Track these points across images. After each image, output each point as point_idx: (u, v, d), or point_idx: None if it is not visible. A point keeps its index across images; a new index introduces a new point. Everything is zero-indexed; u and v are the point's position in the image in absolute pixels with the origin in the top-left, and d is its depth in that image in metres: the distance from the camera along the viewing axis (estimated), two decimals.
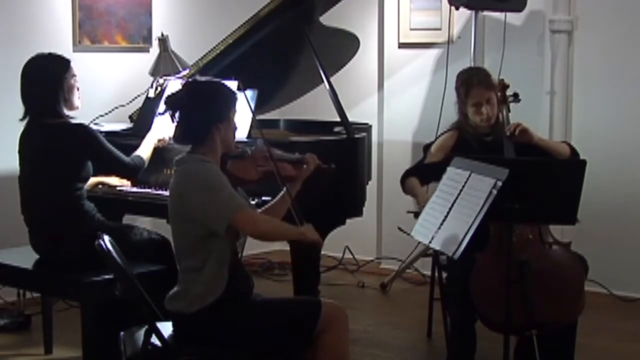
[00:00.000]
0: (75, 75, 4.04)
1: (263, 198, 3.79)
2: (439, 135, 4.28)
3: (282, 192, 3.38)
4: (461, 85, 4.10)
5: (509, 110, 4.10)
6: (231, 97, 3.24)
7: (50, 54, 4.06)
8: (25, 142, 4.03)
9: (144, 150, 4.22)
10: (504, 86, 4.11)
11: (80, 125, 3.99)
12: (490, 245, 3.74)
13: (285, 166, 3.41)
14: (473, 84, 4.04)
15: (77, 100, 4.06)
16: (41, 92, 3.97)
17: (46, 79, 3.97)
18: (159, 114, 4.46)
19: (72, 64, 4.04)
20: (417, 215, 3.89)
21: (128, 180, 4.30)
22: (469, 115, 4.07)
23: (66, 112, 4.00)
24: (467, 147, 3.99)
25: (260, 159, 3.39)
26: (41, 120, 3.97)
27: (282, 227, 3.23)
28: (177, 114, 3.18)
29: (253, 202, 3.73)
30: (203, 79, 3.34)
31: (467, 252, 3.13)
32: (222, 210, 3.04)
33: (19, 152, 4.05)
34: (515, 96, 4.15)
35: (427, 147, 4.29)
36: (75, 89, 4.04)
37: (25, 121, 4.02)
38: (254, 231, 3.12)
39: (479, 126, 4.06)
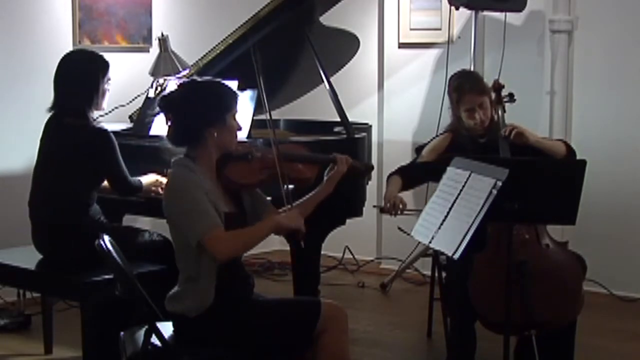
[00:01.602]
0: (110, 79, 4.05)
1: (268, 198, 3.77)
2: (433, 138, 4.26)
3: (311, 194, 3.32)
4: (453, 91, 4.08)
5: (504, 111, 4.08)
6: (228, 99, 3.17)
7: (94, 52, 4.08)
8: (46, 137, 4.04)
9: (145, 178, 4.18)
10: (498, 87, 4.09)
11: (102, 131, 3.98)
12: (489, 246, 3.74)
13: (299, 168, 3.31)
14: (465, 90, 4.02)
15: (104, 103, 4.07)
16: (76, 89, 3.98)
17: (86, 78, 3.98)
18: (155, 114, 4.47)
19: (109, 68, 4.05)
20: (382, 210, 3.88)
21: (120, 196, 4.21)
22: (462, 118, 4.06)
23: (92, 113, 4.00)
24: (460, 149, 3.95)
25: (268, 161, 3.26)
26: (66, 119, 3.96)
27: (249, 235, 3.09)
28: (170, 115, 3.16)
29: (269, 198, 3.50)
30: (201, 79, 3.26)
31: (466, 252, 3.13)
32: (193, 227, 3.00)
33: (40, 140, 4.04)
34: (511, 96, 4.11)
35: (419, 149, 4.28)
36: (107, 93, 4.06)
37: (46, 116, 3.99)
38: (218, 256, 3.00)
39: (472, 129, 4.05)
